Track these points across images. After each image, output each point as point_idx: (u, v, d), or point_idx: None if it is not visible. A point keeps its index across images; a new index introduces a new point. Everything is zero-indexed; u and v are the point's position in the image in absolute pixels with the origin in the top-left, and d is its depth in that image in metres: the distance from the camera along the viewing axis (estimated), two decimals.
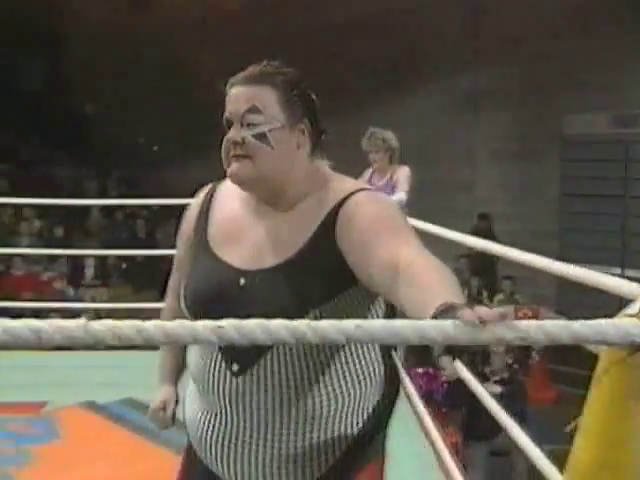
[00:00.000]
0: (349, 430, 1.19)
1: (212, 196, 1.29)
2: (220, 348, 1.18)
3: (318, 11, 8.67)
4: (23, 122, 10.25)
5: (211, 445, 1.24)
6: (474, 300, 7.07)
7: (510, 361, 4.57)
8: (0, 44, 9.36)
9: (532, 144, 8.21)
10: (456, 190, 8.39)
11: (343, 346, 1.17)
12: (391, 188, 3.91)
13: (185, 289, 1.25)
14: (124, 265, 8.71)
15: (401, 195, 3.76)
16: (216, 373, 1.19)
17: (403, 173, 3.96)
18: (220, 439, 1.23)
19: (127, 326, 0.60)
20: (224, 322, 0.63)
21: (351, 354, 1.18)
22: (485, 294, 7.10)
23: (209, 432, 1.25)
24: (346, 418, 1.18)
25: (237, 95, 1.17)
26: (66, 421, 3.14)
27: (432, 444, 2.74)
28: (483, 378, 3.94)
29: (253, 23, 8.75)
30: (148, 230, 9.70)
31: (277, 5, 8.64)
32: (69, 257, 7.78)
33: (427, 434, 2.84)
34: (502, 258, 3.36)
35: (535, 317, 6.30)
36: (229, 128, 1.16)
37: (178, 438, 3.00)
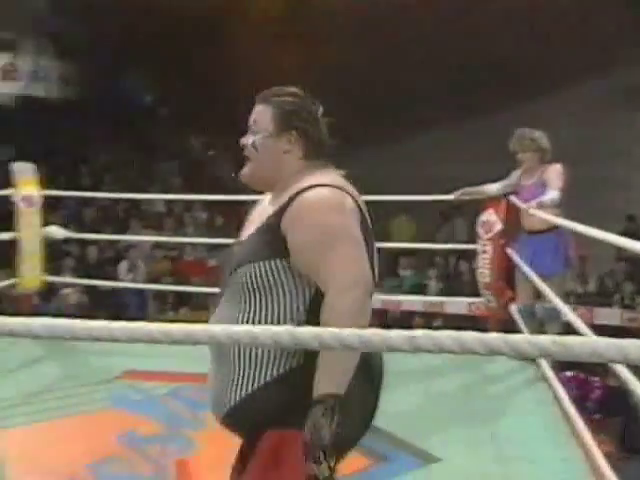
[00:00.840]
0: (254, 384, 1.36)
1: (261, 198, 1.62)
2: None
3: (465, 10, 8.37)
4: (194, 124, 11.07)
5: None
6: (626, 307, 6.45)
7: None
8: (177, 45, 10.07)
9: None
10: (611, 190, 7.71)
11: (270, 302, 1.37)
12: (541, 187, 3.67)
13: None
14: None
15: (553, 194, 3.51)
16: None
17: (554, 171, 3.68)
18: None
19: (327, 332, 0.63)
20: (419, 332, 0.64)
21: (278, 313, 1.37)
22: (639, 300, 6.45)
23: None
24: (256, 371, 1.36)
25: (253, 111, 1.50)
26: None
27: (584, 451, 2.57)
28: None
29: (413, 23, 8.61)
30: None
31: (424, 5, 8.47)
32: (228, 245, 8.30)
33: (578, 440, 2.66)
34: None
35: None
36: None
37: None
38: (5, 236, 4.20)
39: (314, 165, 1.45)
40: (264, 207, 1.49)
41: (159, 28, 9.28)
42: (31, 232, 4.21)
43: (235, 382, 1.38)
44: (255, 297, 1.37)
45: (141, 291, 6.86)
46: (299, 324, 1.32)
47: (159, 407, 3.06)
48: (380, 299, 5.64)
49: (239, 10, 9.42)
